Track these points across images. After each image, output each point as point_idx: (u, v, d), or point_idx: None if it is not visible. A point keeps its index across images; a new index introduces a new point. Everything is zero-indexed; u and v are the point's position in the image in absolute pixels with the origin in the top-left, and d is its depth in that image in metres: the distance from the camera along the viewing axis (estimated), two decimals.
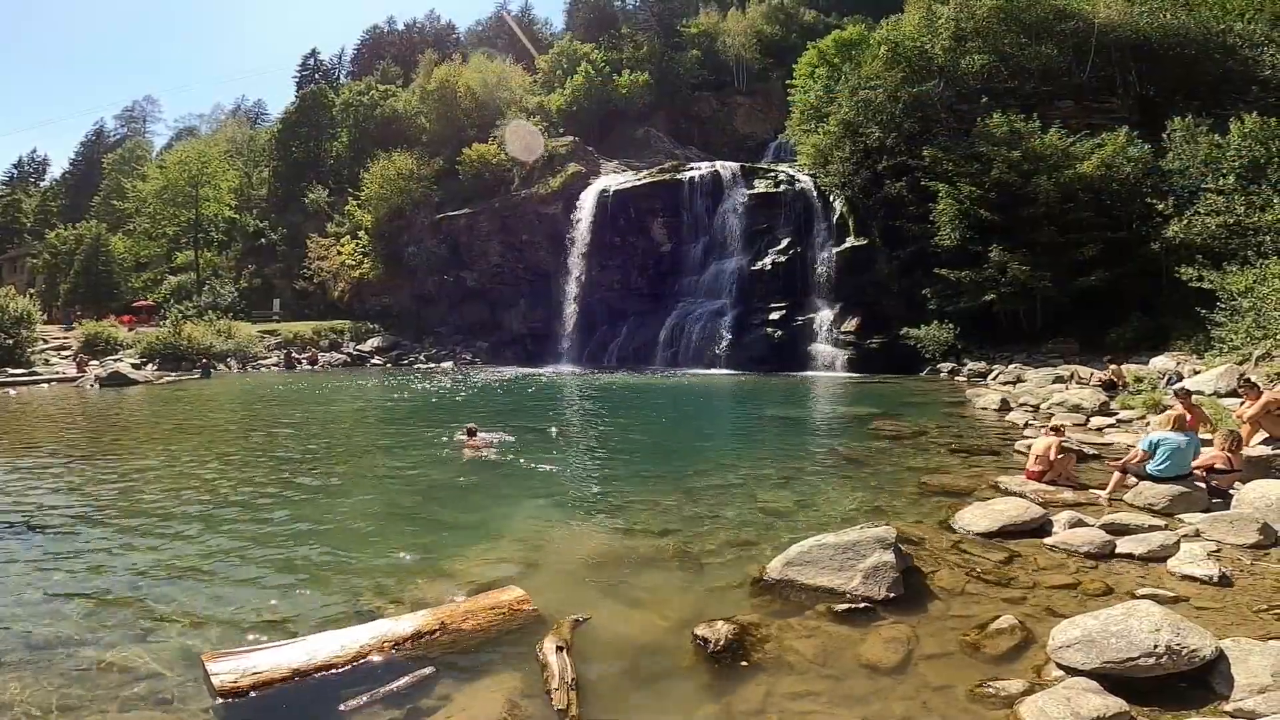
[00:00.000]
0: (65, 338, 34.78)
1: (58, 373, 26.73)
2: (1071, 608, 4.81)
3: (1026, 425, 12.95)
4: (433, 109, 53.41)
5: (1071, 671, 3.93)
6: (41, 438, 13.34)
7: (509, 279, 42.79)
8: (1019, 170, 25.45)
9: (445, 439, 12.30)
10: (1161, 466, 7.32)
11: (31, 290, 47.62)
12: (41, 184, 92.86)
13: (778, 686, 4.03)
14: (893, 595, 5.03)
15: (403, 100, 58.62)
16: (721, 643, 4.35)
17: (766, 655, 4.35)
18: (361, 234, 49.07)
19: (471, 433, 11.57)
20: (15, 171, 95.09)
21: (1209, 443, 8.06)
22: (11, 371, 25.22)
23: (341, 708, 3.76)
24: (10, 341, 27.01)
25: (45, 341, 32.13)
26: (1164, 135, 24.04)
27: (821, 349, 29.72)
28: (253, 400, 20.92)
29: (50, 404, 19.25)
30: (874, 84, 31.44)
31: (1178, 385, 12.72)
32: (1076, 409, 13.67)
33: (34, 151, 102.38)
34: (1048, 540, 6.19)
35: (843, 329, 29.60)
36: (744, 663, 4.26)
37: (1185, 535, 6.20)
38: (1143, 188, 24.06)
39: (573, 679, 3.96)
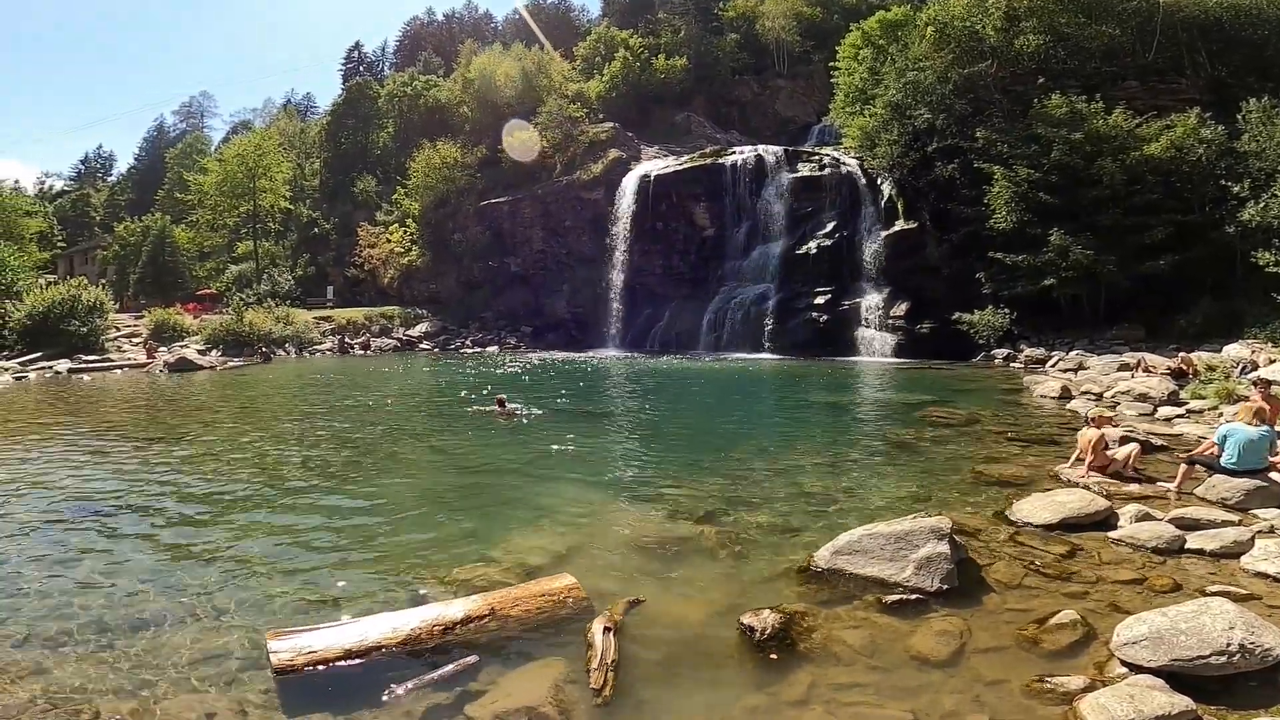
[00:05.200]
0: (135, 325, 36.40)
1: (129, 359, 28.05)
2: (1137, 604, 4.64)
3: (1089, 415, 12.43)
4: (474, 98, 53.89)
5: (1136, 669, 3.80)
6: (117, 420, 14.06)
7: (552, 265, 43.10)
8: (1081, 153, 24.40)
9: (469, 410, 14.33)
10: (1233, 460, 6.95)
11: (103, 280, 50.04)
12: (109, 179, 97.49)
13: (824, 677, 3.98)
14: (946, 587, 4.91)
15: (445, 90, 59.29)
16: (768, 631, 4.32)
17: (813, 645, 4.30)
18: (409, 222, 50.05)
19: (501, 403, 13.58)
20: (83, 168, 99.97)
21: None
22: (86, 358, 26.58)
23: (388, 691, 3.84)
24: (85, 329, 28.45)
25: (117, 329, 33.71)
26: (1238, 117, 22.79)
27: (868, 334, 29.13)
28: (311, 384, 21.62)
29: (123, 388, 20.24)
30: (922, 65, 30.43)
31: (1254, 375, 12.05)
32: (1143, 398, 13.07)
33: (99, 148, 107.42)
34: (1113, 534, 5.96)
35: (891, 314, 28.91)
36: (790, 652, 4.21)
37: (1260, 531, 5.89)
38: (1216, 170, 22.86)
39: (613, 660, 3.99)
